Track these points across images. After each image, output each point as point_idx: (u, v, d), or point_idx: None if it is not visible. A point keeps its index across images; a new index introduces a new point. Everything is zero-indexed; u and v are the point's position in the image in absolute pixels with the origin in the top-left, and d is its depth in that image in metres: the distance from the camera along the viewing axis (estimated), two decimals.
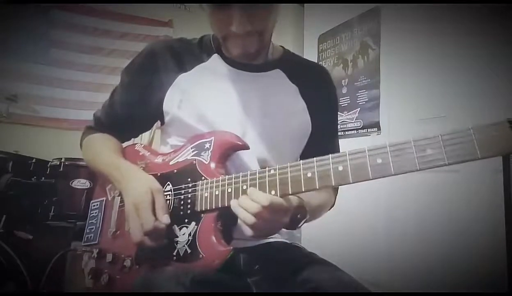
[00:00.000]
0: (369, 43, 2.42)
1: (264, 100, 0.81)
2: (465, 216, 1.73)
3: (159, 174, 0.76)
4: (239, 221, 0.62)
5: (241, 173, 0.66)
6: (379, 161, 0.52)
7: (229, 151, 0.73)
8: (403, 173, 0.51)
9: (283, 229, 0.75)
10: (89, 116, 0.95)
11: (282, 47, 0.92)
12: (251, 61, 0.81)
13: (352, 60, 2.55)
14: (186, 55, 0.83)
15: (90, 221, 0.90)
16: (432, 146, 0.49)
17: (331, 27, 2.76)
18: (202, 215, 0.68)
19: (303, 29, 3.06)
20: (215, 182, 0.68)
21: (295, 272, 0.71)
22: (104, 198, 0.89)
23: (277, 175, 0.61)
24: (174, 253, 0.67)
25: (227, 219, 0.68)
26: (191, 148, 0.76)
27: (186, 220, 0.69)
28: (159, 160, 0.81)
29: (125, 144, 0.92)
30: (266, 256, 0.76)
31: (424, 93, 2.02)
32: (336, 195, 0.92)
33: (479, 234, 1.66)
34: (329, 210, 0.88)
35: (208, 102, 0.79)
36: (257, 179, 0.63)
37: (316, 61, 2.77)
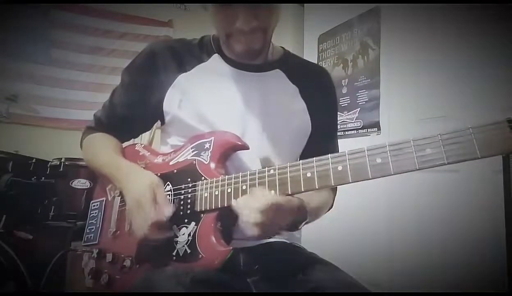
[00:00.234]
0: (369, 43, 2.42)
1: (264, 100, 0.81)
2: (465, 216, 1.73)
3: (159, 174, 0.76)
4: (241, 221, 0.61)
5: (240, 173, 0.66)
6: (378, 160, 0.52)
7: (229, 151, 0.73)
8: (402, 173, 0.51)
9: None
10: (89, 116, 0.95)
11: (282, 48, 0.92)
12: (252, 60, 0.82)
13: (352, 60, 2.55)
14: (186, 55, 0.83)
15: (90, 221, 0.90)
16: (432, 146, 0.49)
17: (331, 27, 2.75)
18: (202, 215, 0.68)
19: (303, 29, 3.06)
20: (215, 182, 0.68)
21: (295, 272, 0.71)
22: (104, 198, 0.89)
23: (277, 174, 0.61)
24: (174, 253, 0.68)
25: (226, 219, 0.68)
26: (191, 148, 0.76)
27: (186, 220, 0.69)
28: (159, 160, 0.81)
29: (125, 144, 0.92)
30: (266, 256, 0.76)
31: (424, 93, 2.02)
32: (335, 196, 0.92)
33: (479, 234, 1.66)
34: (327, 211, 0.88)
35: (208, 102, 0.79)
36: (257, 179, 0.63)
37: (316, 61, 2.78)
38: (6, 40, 2.40)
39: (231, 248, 0.64)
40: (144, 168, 0.80)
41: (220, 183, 0.67)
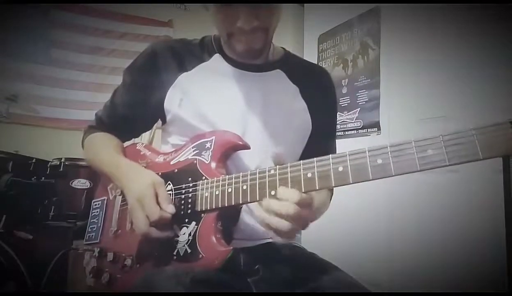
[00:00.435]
0: (369, 43, 2.42)
1: (265, 99, 0.82)
2: (465, 216, 1.73)
3: (160, 173, 0.76)
4: (266, 228, 0.58)
5: (241, 173, 0.66)
6: (379, 161, 0.52)
7: (229, 151, 0.73)
8: (403, 174, 0.51)
9: None
10: (89, 116, 0.96)
11: (283, 48, 0.93)
12: (253, 60, 0.82)
13: (352, 60, 2.55)
14: (187, 55, 0.83)
15: (91, 220, 0.90)
16: (433, 147, 0.49)
17: (331, 27, 2.75)
18: (203, 214, 0.68)
19: (303, 29, 3.06)
20: (216, 181, 0.68)
21: (295, 272, 0.71)
22: (106, 197, 0.89)
23: (277, 175, 0.61)
24: (174, 253, 0.67)
25: (227, 219, 0.68)
26: (192, 148, 0.76)
27: (186, 220, 0.69)
28: (160, 159, 0.81)
29: (125, 144, 0.92)
30: (266, 256, 0.76)
31: (424, 93, 2.02)
32: (331, 198, 0.92)
33: (479, 234, 1.66)
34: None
35: (209, 101, 0.79)
36: (257, 179, 0.63)
37: (316, 61, 2.78)
38: (6, 40, 2.40)
39: (231, 248, 0.64)
40: (145, 167, 0.80)
41: (220, 182, 0.67)
